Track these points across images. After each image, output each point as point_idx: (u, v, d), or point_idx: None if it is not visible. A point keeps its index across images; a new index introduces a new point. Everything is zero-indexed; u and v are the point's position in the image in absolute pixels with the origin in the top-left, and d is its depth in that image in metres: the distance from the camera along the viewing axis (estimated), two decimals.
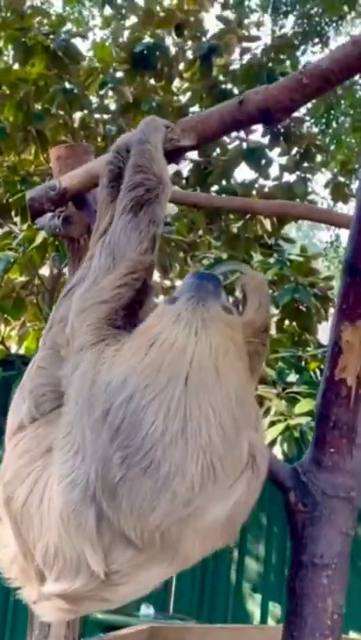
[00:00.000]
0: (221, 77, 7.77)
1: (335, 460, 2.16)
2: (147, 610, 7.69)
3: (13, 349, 7.74)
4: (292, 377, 6.56)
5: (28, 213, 2.61)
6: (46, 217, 2.66)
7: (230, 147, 7.68)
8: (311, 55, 13.55)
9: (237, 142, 7.68)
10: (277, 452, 5.50)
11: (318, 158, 8.31)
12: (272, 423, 5.78)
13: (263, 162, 7.54)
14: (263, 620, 8.93)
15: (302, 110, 11.03)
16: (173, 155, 2.26)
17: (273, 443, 5.56)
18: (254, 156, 7.43)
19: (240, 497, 1.70)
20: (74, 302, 2.13)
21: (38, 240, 6.16)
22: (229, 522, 1.74)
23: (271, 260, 7.27)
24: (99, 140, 7.52)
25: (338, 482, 2.16)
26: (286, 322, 7.24)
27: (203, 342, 1.68)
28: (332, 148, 10.99)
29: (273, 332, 7.40)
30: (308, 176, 7.85)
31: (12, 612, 8.27)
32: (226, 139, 7.51)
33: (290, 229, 10.55)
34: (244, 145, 7.56)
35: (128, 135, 2.34)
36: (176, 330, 1.69)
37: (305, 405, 5.64)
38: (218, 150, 7.58)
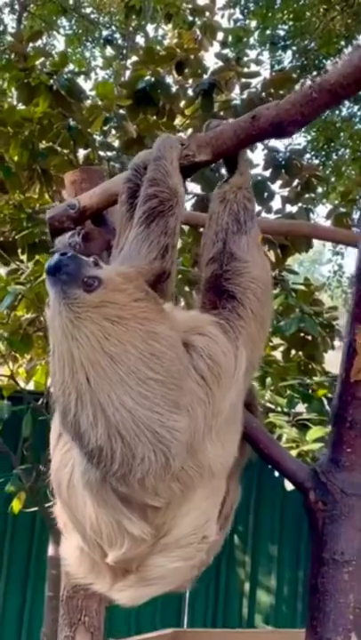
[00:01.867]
0: (222, 113, 7.84)
1: (352, 459, 2.22)
2: None
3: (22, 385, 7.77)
4: (300, 407, 6.59)
5: (48, 232, 2.68)
6: (65, 236, 2.73)
7: None
8: None
9: None
10: None
11: (319, 190, 8.37)
12: None
13: (265, 195, 7.61)
14: None
15: (303, 142, 11.21)
16: (190, 170, 2.33)
17: None
18: (256, 189, 7.49)
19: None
20: None
21: (45, 275, 6.20)
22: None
23: (276, 291, 7.31)
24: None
25: (356, 480, 2.22)
26: (293, 351, 7.29)
27: (82, 342, 1.79)
28: (333, 179, 11.07)
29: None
30: (310, 207, 7.88)
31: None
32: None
33: (292, 264, 10.61)
34: None
35: (145, 153, 2.42)
36: (60, 340, 1.82)
37: (316, 432, 5.68)
38: None
